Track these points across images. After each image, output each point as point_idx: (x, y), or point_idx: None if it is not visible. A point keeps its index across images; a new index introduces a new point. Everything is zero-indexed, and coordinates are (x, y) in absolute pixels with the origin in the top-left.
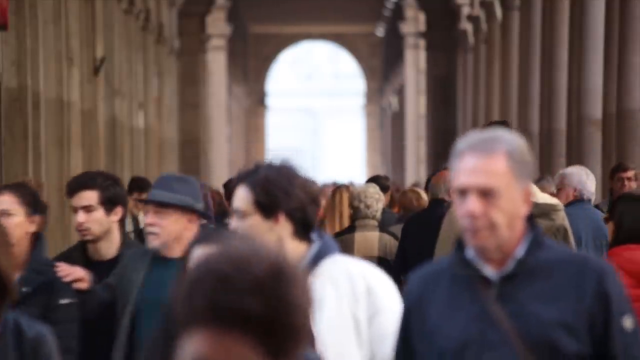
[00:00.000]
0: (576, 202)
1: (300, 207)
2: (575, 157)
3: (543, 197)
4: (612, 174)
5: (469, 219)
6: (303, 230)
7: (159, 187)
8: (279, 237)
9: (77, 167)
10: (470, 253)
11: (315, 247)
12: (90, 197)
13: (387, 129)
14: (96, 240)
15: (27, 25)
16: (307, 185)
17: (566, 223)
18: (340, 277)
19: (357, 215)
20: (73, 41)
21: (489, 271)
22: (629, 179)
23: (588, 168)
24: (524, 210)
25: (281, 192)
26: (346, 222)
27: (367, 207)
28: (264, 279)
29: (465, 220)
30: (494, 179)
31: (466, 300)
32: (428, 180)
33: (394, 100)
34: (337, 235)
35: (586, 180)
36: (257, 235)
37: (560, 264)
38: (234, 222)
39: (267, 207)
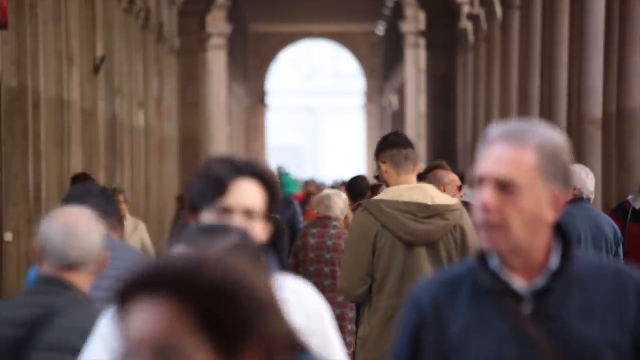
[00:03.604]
0: (576, 201)
1: None
2: (576, 156)
3: (440, 199)
4: None
5: (482, 212)
6: None
7: None
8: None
9: (77, 166)
10: (494, 262)
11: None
12: None
13: (387, 128)
14: None
15: (27, 24)
16: None
17: (464, 222)
18: (293, 300)
19: None
20: (73, 40)
21: (519, 284)
22: None
23: (588, 167)
24: (550, 215)
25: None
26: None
27: None
28: (216, 265)
29: (479, 215)
30: (516, 172)
31: (494, 316)
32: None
33: (394, 99)
34: None
35: (586, 179)
36: (260, 241)
37: (596, 276)
38: (238, 223)
39: (270, 210)
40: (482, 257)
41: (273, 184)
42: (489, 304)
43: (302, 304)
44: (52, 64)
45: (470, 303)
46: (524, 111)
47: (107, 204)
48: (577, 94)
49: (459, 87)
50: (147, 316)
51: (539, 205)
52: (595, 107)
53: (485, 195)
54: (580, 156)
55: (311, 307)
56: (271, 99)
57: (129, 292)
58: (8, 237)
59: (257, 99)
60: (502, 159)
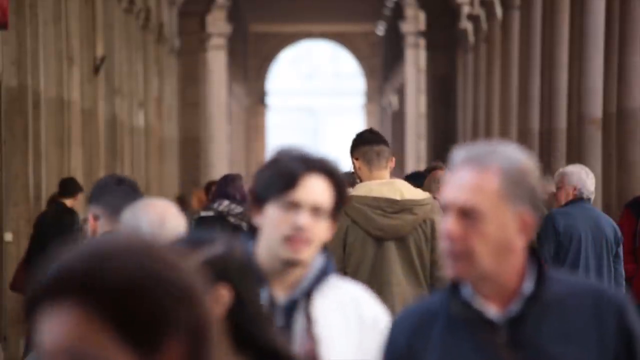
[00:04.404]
0: (576, 201)
1: None
2: (576, 156)
3: (410, 193)
4: None
5: (445, 241)
6: None
7: None
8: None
9: (77, 166)
10: (466, 291)
11: (320, 260)
12: None
13: (387, 128)
14: None
15: (27, 24)
16: None
17: (435, 215)
18: (348, 304)
19: None
20: (73, 40)
21: (492, 312)
22: None
23: (588, 167)
24: (519, 239)
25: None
26: None
27: None
28: (123, 259)
29: (443, 243)
30: (479, 198)
31: (468, 346)
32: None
33: (394, 100)
34: None
35: (586, 179)
36: (319, 242)
37: (574, 299)
38: (305, 218)
39: (337, 209)
40: (455, 286)
41: (343, 184)
42: (463, 333)
43: (357, 308)
44: (52, 64)
45: (445, 333)
46: (524, 111)
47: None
48: (577, 94)
49: (458, 87)
50: (56, 324)
51: (505, 230)
52: (595, 107)
53: (448, 224)
54: (580, 156)
55: (367, 313)
56: (271, 99)
57: (37, 299)
58: (8, 237)
59: (257, 99)
60: (464, 185)
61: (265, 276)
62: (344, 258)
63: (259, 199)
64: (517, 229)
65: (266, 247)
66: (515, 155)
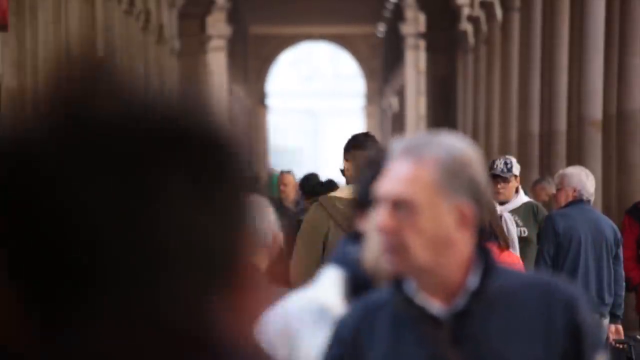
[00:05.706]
0: (575, 203)
1: None
2: (576, 158)
3: None
4: None
5: (379, 235)
6: None
7: None
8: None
9: None
10: (410, 286)
11: None
12: None
13: (387, 129)
14: None
15: (27, 26)
16: None
17: None
18: None
19: None
20: (73, 42)
21: (436, 307)
22: None
23: (588, 169)
24: (459, 233)
25: None
26: None
27: None
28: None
29: (379, 237)
30: (413, 190)
31: (413, 341)
32: None
33: (394, 101)
34: None
35: (586, 180)
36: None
37: (522, 293)
38: None
39: None
40: (398, 281)
41: None
42: (408, 328)
43: None
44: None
45: (390, 328)
46: (524, 113)
47: None
48: (577, 95)
49: (458, 88)
50: None
51: (442, 223)
52: (595, 108)
53: (381, 217)
54: (580, 158)
55: None
56: (271, 101)
57: None
58: None
59: (257, 101)
60: (399, 177)
61: (375, 282)
62: (322, 257)
63: (361, 204)
64: (456, 222)
65: (372, 253)
66: (455, 145)
